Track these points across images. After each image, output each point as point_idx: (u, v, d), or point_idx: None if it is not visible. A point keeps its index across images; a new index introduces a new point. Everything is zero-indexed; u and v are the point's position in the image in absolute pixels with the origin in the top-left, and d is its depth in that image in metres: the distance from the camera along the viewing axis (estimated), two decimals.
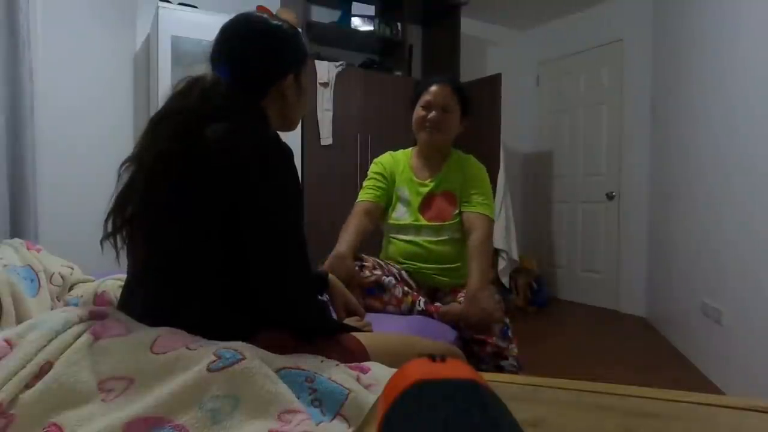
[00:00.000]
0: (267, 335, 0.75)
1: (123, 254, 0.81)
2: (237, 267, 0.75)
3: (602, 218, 3.84)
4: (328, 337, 0.84)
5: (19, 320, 1.01)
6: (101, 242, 0.77)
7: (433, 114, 1.54)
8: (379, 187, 1.62)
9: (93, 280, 1.23)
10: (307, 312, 0.81)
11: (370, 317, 1.31)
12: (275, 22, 0.91)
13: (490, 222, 1.55)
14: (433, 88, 1.55)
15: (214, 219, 0.74)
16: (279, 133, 0.85)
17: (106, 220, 0.78)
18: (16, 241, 1.26)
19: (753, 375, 1.92)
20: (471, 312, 1.37)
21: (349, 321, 1.09)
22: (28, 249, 1.21)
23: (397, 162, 1.67)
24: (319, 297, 1.10)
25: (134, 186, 0.77)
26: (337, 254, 1.42)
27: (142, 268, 0.80)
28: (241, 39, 0.88)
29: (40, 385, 0.57)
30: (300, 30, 0.95)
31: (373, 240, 1.63)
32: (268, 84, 0.88)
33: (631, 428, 0.56)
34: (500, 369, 1.41)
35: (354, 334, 0.90)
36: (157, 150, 0.76)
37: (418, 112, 1.57)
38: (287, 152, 0.79)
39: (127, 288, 0.84)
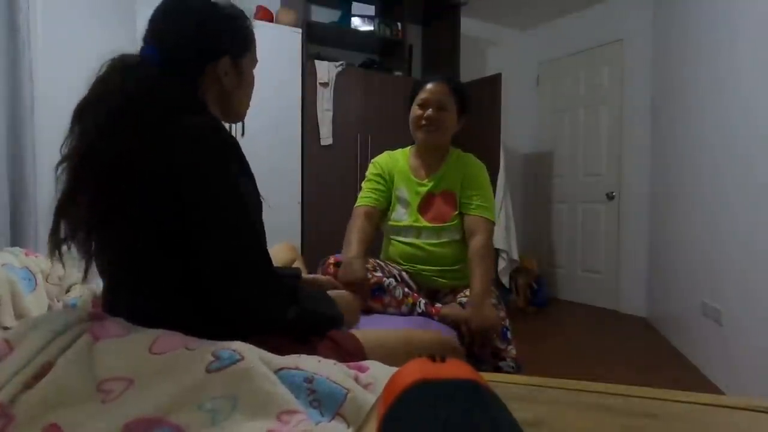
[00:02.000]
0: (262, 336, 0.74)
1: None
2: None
3: (602, 218, 3.84)
4: (321, 335, 0.82)
5: (17, 315, 1.02)
6: (50, 255, 0.72)
7: (429, 112, 1.52)
8: (377, 190, 1.61)
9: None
10: (268, 313, 0.75)
11: (371, 318, 1.31)
12: (214, 3, 0.83)
13: (491, 225, 1.54)
14: (429, 86, 1.54)
15: (157, 222, 0.70)
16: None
17: (54, 229, 0.71)
18: (16, 249, 1.27)
19: (753, 375, 1.92)
20: (474, 320, 1.36)
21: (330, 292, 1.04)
22: (26, 255, 1.23)
23: (395, 161, 1.66)
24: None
25: (71, 189, 0.71)
26: (349, 261, 1.39)
27: (118, 271, 0.77)
28: (174, 16, 0.80)
29: (40, 385, 0.57)
30: (243, 14, 0.86)
31: (373, 241, 1.62)
32: (200, 65, 0.80)
33: (631, 428, 0.55)
34: (498, 370, 1.41)
35: (352, 331, 0.89)
36: (84, 148, 0.70)
37: (415, 110, 1.56)
38: (223, 145, 0.72)
39: (107, 292, 0.81)
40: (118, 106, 0.70)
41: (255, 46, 0.88)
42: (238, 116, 0.90)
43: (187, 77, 0.78)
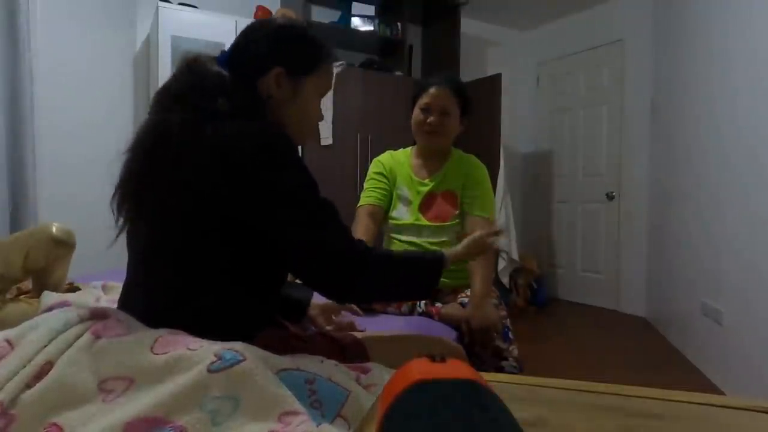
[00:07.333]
0: (266, 334, 0.75)
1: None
2: (240, 266, 0.75)
3: (602, 218, 3.84)
4: (337, 341, 0.83)
5: None
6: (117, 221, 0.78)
7: (431, 118, 1.53)
8: (379, 189, 1.61)
9: None
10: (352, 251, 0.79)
11: (371, 318, 1.31)
12: (290, 21, 0.89)
13: (492, 226, 1.55)
14: (432, 90, 1.53)
15: (215, 215, 0.72)
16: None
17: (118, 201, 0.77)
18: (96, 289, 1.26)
19: (753, 375, 1.92)
20: (475, 319, 1.36)
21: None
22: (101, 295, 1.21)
23: (396, 161, 1.66)
24: (298, 322, 1.05)
25: (132, 174, 0.76)
26: None
27: (142, 266, 0.79)
28: (247, 29, 0.88)
29: (40, 385, 0.57)
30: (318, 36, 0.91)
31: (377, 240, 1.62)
32: (255, 73, 0.84)
33: (632, 428, 0.55)
34: (500, 370, 1.41)
35: (354, 333, 0.90)
36: (154, 135, 0.75)
37: (417, 114, 1.56)
38: (288, 140, 0.77)
39: (127, 287, 0.82)
40: (171, 87, 0.77)
41: (322, 76, 0.90)
42: (296, 134, 0.87)
43: (245, 78, 0.82)
